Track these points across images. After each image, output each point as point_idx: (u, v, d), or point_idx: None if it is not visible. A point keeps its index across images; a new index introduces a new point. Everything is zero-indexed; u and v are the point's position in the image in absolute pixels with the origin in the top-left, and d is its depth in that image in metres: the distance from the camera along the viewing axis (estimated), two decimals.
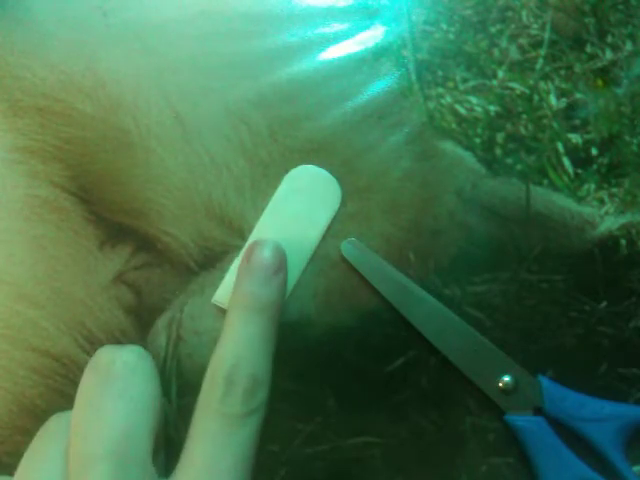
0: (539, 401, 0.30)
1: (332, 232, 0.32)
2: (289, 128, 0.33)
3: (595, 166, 0.33)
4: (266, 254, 0.30)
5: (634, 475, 0.30)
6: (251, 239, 0.32)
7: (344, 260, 0.32)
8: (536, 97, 0.33)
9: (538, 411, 0.30)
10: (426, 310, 0.31)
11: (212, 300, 0.31)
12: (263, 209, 0.32)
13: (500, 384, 0.30)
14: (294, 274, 0.31)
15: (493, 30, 0.34)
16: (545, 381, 0.30)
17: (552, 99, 0.33)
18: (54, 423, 0.27)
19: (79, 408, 0.26)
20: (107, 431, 0.25)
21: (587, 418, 0.29)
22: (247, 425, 0.26)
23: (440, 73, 0.34)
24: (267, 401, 0.27)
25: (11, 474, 0.26)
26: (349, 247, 0.32)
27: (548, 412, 0.30)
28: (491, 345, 0.31)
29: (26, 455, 0.26)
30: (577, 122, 0.33)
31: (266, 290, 0.29)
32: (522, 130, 0.33)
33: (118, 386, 0.26)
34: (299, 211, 0.32)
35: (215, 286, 0.32)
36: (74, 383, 0.27)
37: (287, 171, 0.33)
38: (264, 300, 0.29)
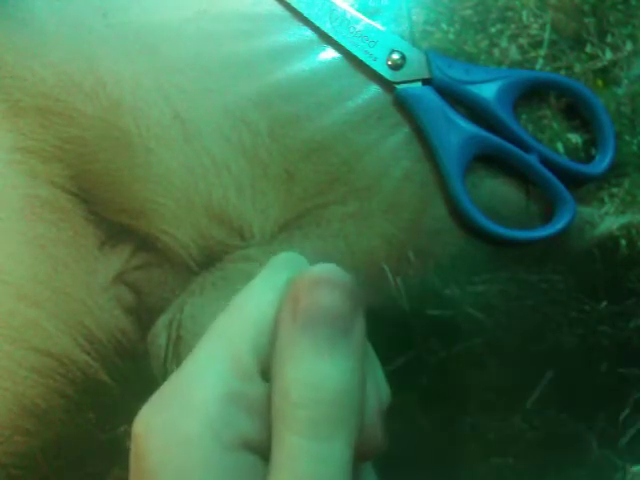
0: (427, 72, 0.32)
1: (332, 232, 0.32)
2: (289, 128, 0.33)
3: None
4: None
5: (521, 128, 0.32)
6: None
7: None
8: (536, 97, 0.33)
9: (427, 82, 0.32)
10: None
11: None
12: (263, 209, 0.32)
13: (389, 62, 0.32)
14: None
15: (493, 30, 0.34)
16: (432, 53, 0.32)
17: (552, 99, 0.33)
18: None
19: None
20: None
21: (473, 81, 0.32)
22: None
23: None
24: None
25: (11, 474, 0.26)
26: None
27: (436, 81, 0.32)
28: (375, 27, 0.32)
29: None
30: (577, 122, 0.33)
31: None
32: None
33: None
34: None
35: (215, 286, 0.32)
36: (74, 383, 0.27)
37: (287, 171, 0.33)
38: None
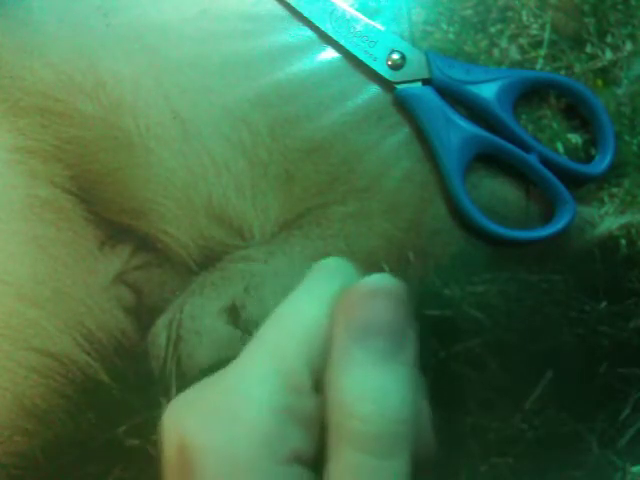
0: (427, 72, 0.32)
1: (332, 232, 0.32)
2: (289, 128, 0.33)
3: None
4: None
5: (521, 128, 0.32)
6: None
7: None
8: (536, 97, 0.33)
9: (427, 82, 0.32)
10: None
11: None
12: (263, 209, 0.32)
13: (389, 62, 0.32)
14: None
15: (493, 30, 0.34)
16: (432, 54, 0.32)
17: (552, 99, 0.33)
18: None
19: None
20: None
21: (473, 81, 0.32)
22: None
23: None
24: None
25: (11, 474, 0.26)
26: None
27: (436, 81, 0.32)
28: (375, 27, 0.33)
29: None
30: (577, 122, 0.33)
31: None
32: None
33: None
34: None
35: (215, 286, 0.32)
36: (74, 383, 0.27)
37: (287, 171, 0.33)
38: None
